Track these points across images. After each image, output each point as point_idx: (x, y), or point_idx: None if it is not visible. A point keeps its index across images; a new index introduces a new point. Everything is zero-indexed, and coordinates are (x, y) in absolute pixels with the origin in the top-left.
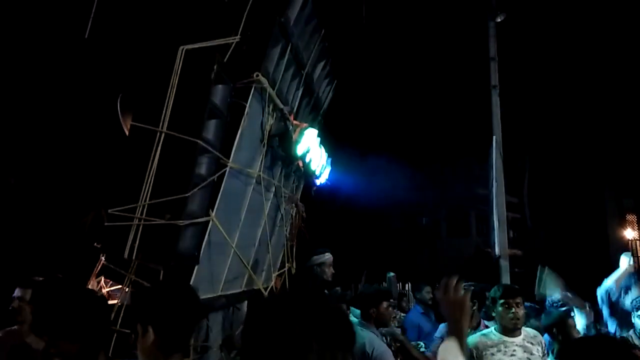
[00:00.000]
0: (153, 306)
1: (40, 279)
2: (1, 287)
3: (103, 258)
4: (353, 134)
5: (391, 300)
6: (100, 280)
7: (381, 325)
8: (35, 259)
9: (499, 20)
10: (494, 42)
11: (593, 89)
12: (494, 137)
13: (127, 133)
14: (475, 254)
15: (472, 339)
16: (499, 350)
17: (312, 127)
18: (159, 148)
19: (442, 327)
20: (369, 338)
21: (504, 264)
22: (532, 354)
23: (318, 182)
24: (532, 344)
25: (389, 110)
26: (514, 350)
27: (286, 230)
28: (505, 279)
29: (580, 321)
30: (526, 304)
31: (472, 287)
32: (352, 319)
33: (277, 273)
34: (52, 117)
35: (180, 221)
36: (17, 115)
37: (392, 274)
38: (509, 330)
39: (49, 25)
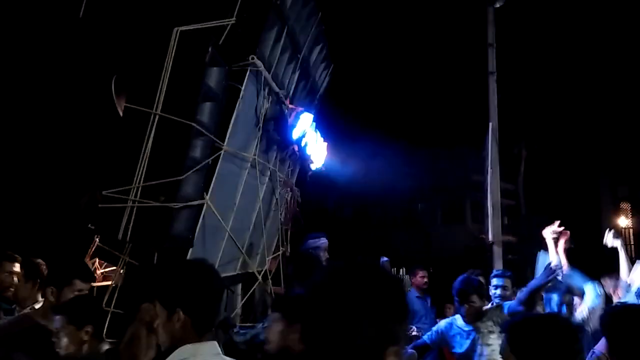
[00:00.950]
0: (179, 287)
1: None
2: None
3: (97, 239)
4: (349, 119)
5: None
6: (95, 261)
7: None
8: (30, 240)
9: (497, 5)
10: (492, 28)
11: (591, 77)
12: (490, 124)
13: (121, 115)
14: (469, 240)
15: None
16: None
17: (307, 111)
18: (154, 130)
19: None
20: None
21: (497, 250)
22: None
23: (313, 166)
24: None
25: (385, 96)
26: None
27: (281, 214)
28: (498, 265)
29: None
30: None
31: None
32: None
33: (271, 257)
34: (47, 99)
35: (175, 204)
36: (13, 98)
37: (386, 258)
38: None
39: (44, 4)
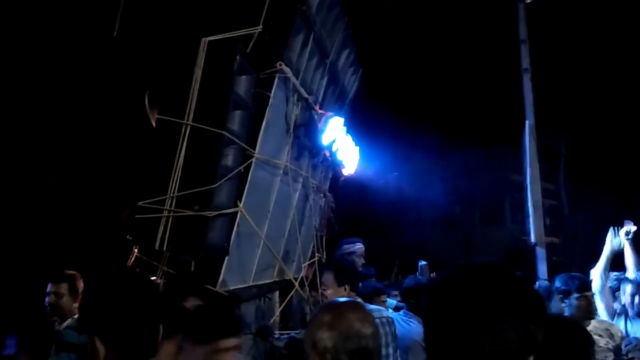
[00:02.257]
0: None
1: (72, 272)
2: (39, 282)
3: (136, 250)
4: (381, 122)
5: None
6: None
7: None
8: (72, 254)
9: (528, 1)
10: (524, 24)
11: (631, 69)
12: (527, 122)
13: (154, 126)
14: (510, 241)
15: None
16: None
17: (338, 116)
18: (186, 140)
19: None
20: (411, 330)
21: (541, 251)
22: (598, 345)
23: (346, 172)
24: (600, 335)
25: (418, 97)
26: None
27: (315, 220)
28: (542, 267)
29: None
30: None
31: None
32: (390, 311)
33: (307, 263)
34: (86, 114)
35: (209, 212)
36: (54, 113)
37: (424, 262)
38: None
39: (82, 26)
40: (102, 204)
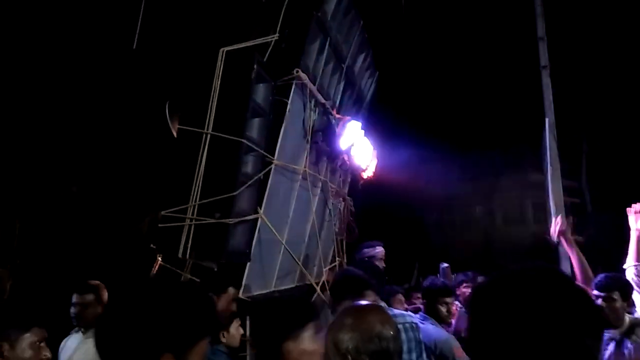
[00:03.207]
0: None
1: (96, 282)
2: (65, 292)
3: (160, 259)
4: (399, 124)
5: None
6: None
7: (439, 321)
8: (97, 264)
9: None
10: (541, 21)
11: None
12: (547, 120)
13: (175, 137)
14: (532, 241)
15: None
16: None
17: (355, 119)
18: (206, 149)
19: None
20: (426, 331)
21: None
22: (627, 347)
23: (365, 175)
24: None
25: (435, 97)
26: (607, 344)
27: (335, 225)
28: (565, 266)
29: None
30: None
31: None
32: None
33: (328, 267)
34: (109, 126)
35: (230, 219)
36: (78, 126)
37: (445, 264)
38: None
39: (103, 40)
40: (125, 214)
